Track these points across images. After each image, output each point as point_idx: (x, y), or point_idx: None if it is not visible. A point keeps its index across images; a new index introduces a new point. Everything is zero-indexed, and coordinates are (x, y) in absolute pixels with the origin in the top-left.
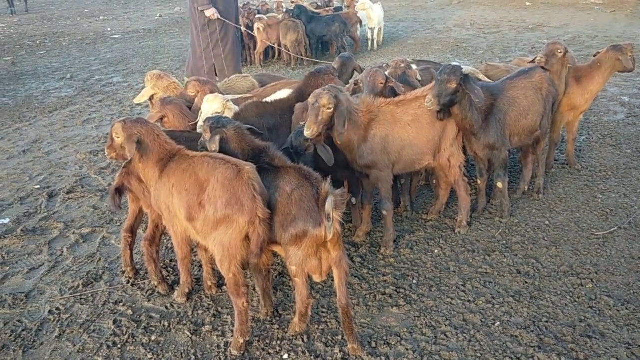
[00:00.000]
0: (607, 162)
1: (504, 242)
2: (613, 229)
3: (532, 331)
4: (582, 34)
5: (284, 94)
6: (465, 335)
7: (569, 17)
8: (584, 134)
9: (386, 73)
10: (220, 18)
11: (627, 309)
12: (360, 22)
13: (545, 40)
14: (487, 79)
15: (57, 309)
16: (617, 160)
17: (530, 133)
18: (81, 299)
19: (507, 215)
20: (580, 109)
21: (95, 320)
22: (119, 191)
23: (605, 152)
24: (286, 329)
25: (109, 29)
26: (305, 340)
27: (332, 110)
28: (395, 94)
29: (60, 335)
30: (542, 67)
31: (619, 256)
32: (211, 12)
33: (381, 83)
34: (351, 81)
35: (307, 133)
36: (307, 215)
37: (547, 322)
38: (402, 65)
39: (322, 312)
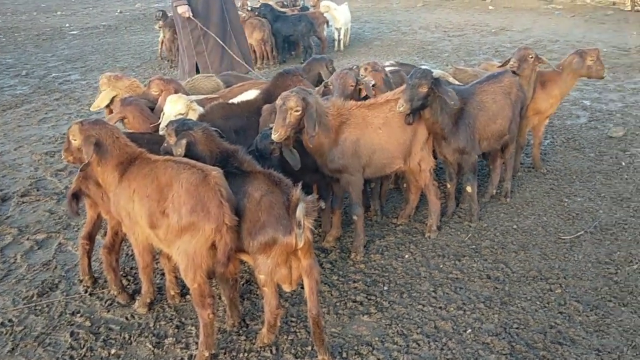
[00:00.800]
0: (571, 166)
1: (474, 246)
2: (580, 233)
3: (504, 338)
4: (543, 38)
5: (251, 95)
6: (437, 343)
7: (530, 21)
8: (548, 137)
9: (368, 79)
10: (191, 17)
11: (595, 314)
12: (327, 22)
13: (507, 43)
14: (457, 82)
15: (10, 320)
16: (580, 164)
17: (499, 137)
18: (36, 309)
19: (476, 219)
20: (546, 114)
21: (50, 333)
22: (76, 196)
23: (569, 156)
24: (254, 340)
25: (67, 25)
26: (274, 351)
27: (300, 112)
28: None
29: (13, 349)
30: (514, 72)
31: (586, 260)
32: (183, 9)
33: (351, 85)
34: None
35: (274, 136)
36: (277, 223)
37: (517, 328)
38: (379, 67)
39: (292, 322)
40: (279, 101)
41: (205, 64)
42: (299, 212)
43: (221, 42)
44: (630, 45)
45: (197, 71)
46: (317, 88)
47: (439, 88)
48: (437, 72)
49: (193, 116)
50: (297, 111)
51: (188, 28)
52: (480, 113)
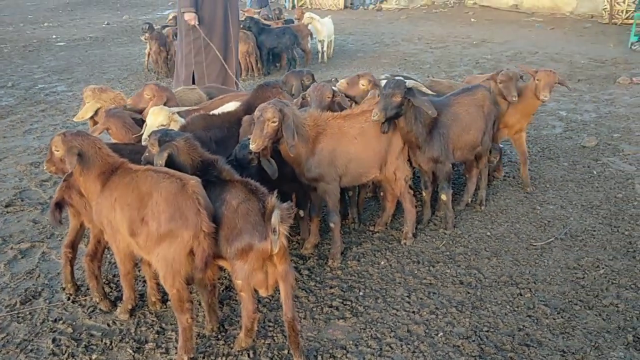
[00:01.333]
0: (545, 175)
1: (448, 253)
2: (550, 240)
3: (474, 341)
4: (523, 50)
5: (231, 106)
6: (409, 346)
7: (511, 33)
8: None
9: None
10: (197, 26)
11: (562, 317)
12: (311, 34)
13: (488, 55)
14: (430, 92)
15: None
16: (554, 173)
17: (472, 148)
18: (18, 317)
19: (451, 227)
20: (514, 128)
21: (32, 340)
22: (59, 205)
23: (544, 165)
24: (232, 345)
25: (54, 36)
26: (251, 355)
27: (276, 123)
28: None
29: None
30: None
31: (555, 266)
32: (190, 17)
33: (328, 97)
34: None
35: (252, 147)
36: (253, 229)
37: (487, 331)
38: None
39: (269, 326)
40: (256, 113)
41: (202, 74)
42: (274, 218)
43: (220, 57)
44: (607, 57)
45: (193, 81)
46: (295, 100)
47: (414, 98)
48: (410, 83)
49: (175, 127)
50: (273, 122)
51: (191, 37)
52: (454, 124)
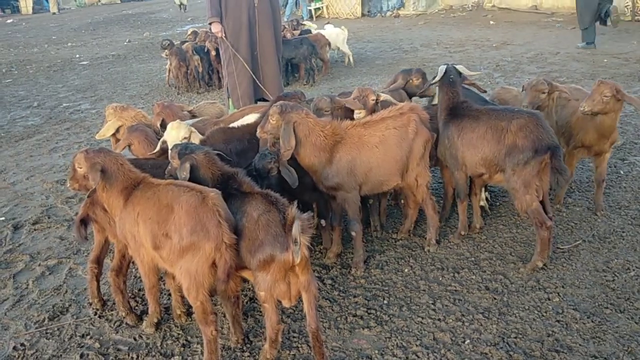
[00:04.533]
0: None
1: (473, 258)
2: (577, 242)
3: (501, 348)
4: (544, 50)
5: (251, 118)
6: (435, 354)
7: (531, 34)
8: None
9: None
10: (224, 38)
11: (592, 321)
12: (329, 44)
13: (509, 57)
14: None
15: (22, 344)
16: (580, 174)
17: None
18: (47, 333)
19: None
20: (593, 149)
21: (61, 356)
22: (84, 222)
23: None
24: (257, 356)
25: (77, 56)
26: None
27: (274, 123)
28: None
29: None
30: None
31: (583, 269)
32: (215, 28)
33: (326, 111)
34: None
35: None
36: (274, 240)
37: (515, 337)
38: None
39: (294, 337)
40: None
41: (234, 85)
42: (295, 229)
43: (246, 66)
44: (631, 55)
45: (228, 94)
46: None
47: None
48: (461, 68)
49: (195, 140)
50: (273, 120)
51: (223, 47)
52: (463, 134)
